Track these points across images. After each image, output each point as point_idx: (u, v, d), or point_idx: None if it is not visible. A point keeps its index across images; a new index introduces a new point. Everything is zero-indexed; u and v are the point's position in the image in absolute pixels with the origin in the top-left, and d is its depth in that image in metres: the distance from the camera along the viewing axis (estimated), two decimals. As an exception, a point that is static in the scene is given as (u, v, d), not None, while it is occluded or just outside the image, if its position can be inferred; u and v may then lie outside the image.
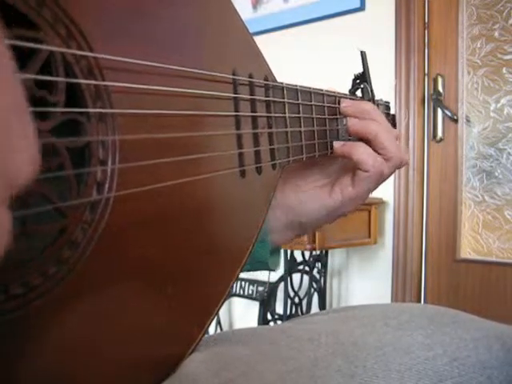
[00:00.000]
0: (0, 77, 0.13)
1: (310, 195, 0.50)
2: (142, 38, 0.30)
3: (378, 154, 0.49)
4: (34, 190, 0.22)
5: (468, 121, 1.74)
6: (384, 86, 1.80)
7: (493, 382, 0.35)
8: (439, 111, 1.78)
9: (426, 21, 1.81)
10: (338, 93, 0.52)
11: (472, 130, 1.74)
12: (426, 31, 1.81)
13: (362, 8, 1.91)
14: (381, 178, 0.50)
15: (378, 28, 1.87)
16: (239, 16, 0.40)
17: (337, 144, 0.50)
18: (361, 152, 0.48)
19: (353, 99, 0.54)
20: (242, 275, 1.91)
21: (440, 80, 1.77)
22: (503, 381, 0.35)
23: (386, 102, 0.63)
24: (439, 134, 1.78)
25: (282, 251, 0.53)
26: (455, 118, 1.73)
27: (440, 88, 1.77)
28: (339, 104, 0.51)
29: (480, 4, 1.70)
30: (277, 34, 2.13)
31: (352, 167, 0.50)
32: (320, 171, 0.52)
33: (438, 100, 1.76)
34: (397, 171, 1.94)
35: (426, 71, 1.81)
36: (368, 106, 0.51)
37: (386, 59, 1.84)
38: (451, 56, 1.76)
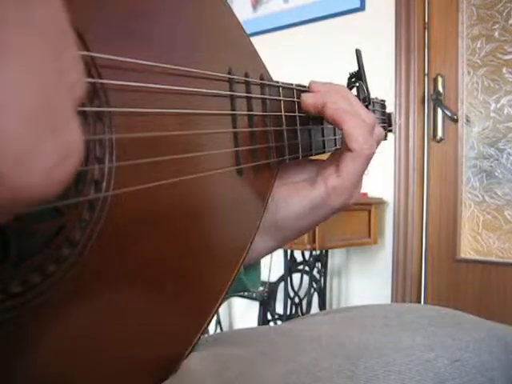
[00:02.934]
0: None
1: (289, 188, 0.46)
2: (137, 37, 0.29)
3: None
4: None
5: (468, 121, 1.74)
6: (384, 85, 1.80)
7: (494, 384, 0.35)
8: (439, 111, 1.78)
9: (426, 21, 1.81)
10: None
11: (472, 130, 1.73)
12: (426, 31, 1.81)
13: (362, 8, 1.92)
14: (368, 161, 0.44)
15: (377, 28, 1.87)
16: (235, 15, 0.40)
17: (331, 106, 0.43)
18: (354, 124, 0.42)
19: None
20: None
21: (440, 80, 1.77)
22: (505, 382, 0.35)
23: (382, 101, 0.63)
24: (439, 133, 1.78)
25: (261, 268, 0.48)
26: (455, 117, 1.73)
27: (440, 88, 1.77)
28: None
29: (480, 4, 1.70)
30: (277, 34, 2.13)
31: (338, 157, 0.46)
32: (305, 164, 0.49)
33: (438, 100, 1.76)
34: (397, 171, 1.91)
35: (426, 71, 1.81)
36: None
37: (386, 59, 1.84)
38: (451, 56, 1.76)
